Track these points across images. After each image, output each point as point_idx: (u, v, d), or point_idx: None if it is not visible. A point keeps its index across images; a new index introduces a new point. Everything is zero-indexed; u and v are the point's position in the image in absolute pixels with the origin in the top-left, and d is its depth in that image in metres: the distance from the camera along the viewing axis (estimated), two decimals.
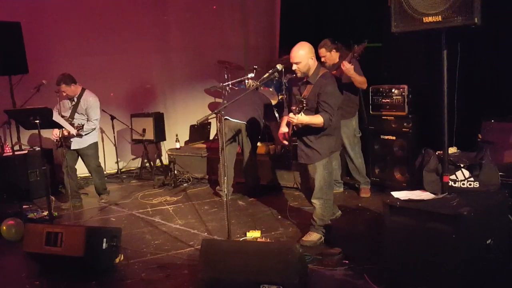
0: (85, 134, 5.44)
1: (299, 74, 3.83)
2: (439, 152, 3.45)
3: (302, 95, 3.83)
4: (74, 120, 5.42)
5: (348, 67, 4.68)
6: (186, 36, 7.89)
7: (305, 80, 3.87)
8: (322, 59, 5.09)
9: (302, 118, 3.60)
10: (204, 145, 7.10)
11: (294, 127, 3.85)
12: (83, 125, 5.33)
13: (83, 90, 5.51)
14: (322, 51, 5.07)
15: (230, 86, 6.64)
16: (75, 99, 5.48)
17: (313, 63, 3.79)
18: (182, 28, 7.87)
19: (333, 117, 3.68)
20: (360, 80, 4.93)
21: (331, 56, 5.09)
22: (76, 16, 6.99)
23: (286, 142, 4.04)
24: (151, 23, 7.64)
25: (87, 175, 6.36)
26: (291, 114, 3.64)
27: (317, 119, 3.68)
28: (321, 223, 3.96)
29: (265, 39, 8.41)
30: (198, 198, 5.79)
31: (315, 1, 7.32)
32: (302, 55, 3.73)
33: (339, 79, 4.24)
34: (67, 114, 5.44)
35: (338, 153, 4.06)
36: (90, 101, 5.48)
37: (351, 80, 4.88)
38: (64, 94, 5.39)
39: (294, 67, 3.78)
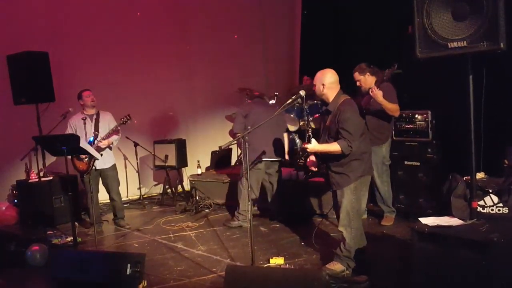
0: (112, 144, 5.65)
1: (316, 97, 4.01)
2: (466, 177, 3.41)
3: (326, 123, 3.89)
4: (98, 132, 5.60)
5: (375, 93, 4.58)
6: (208, 64, 8.07)
7: (326, 109, 3.93)
8: (357, 83, 5.05)
9: (314, 146, 3.75)
10: (226, 171, 7.13)
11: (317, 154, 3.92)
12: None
13: (97, 110, 5.74)
14: (356, 75, 5.02)
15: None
16: (95, 116, 5.66)
17: (326, 91, 3.81)
18: (205, 57, 8.06)
19: (353, 143, 3.62)
20: (390, 108, 4.79)
21: (365, 80, 5.00)
22: (101, 45, 7.20)
23: (314, 169, 4.01)
24: (174, 52, 7.84)
25: (106, 201, 6.42)
26: (306, 144, 3.81)
27: (333, 147, 3.69)
28: (347, 254, 3.83)
29: (285, 66, 8.51)
30: (220, 224, 5.77)
31: (335, 29, 7.42)
32: (317, 79, 3.87)
33: (361, 107, 4.20)
34: (90, 128, 5.60)
35: (369, 178, 3.99)
36: (109, 114, 5.77)
37: (382, 107, 4.79)
38: (89, 98, 5.64)
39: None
